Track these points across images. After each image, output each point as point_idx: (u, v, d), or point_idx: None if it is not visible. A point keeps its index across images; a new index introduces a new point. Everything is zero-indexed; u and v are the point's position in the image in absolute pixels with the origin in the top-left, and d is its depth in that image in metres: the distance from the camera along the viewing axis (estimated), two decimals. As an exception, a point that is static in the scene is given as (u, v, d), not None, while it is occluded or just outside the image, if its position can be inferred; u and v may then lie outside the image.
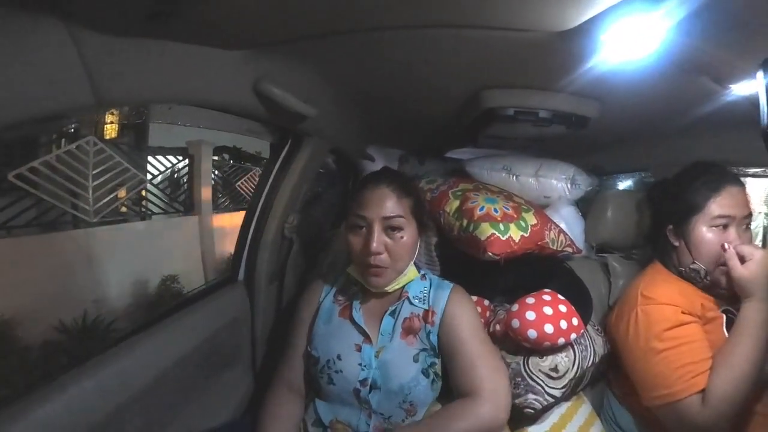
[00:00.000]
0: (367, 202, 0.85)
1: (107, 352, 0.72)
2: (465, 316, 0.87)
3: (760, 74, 0.40)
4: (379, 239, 0.83)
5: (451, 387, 0.85)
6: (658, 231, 1.03)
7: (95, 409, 0.65)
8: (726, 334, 0.88)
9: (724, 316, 0.90)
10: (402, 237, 0.85)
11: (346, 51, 0.75)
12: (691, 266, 0.94)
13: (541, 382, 0.86)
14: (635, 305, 0.93)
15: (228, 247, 5.63)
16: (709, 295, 0.95)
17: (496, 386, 0.80)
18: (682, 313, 0.88)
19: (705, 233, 0.92)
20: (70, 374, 0.65)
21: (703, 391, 0.81)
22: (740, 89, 0.72)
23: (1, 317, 3.35)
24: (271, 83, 0.76)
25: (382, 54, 0.76)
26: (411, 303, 0.90)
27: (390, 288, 0.88)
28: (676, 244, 0.98)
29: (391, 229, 0.85)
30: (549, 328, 0.84)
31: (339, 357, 0.85)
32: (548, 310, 0.86)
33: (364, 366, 0.84)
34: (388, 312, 0.89)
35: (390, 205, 0.85)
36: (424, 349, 0.86)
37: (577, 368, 0.89)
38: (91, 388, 0.65)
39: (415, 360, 0.84)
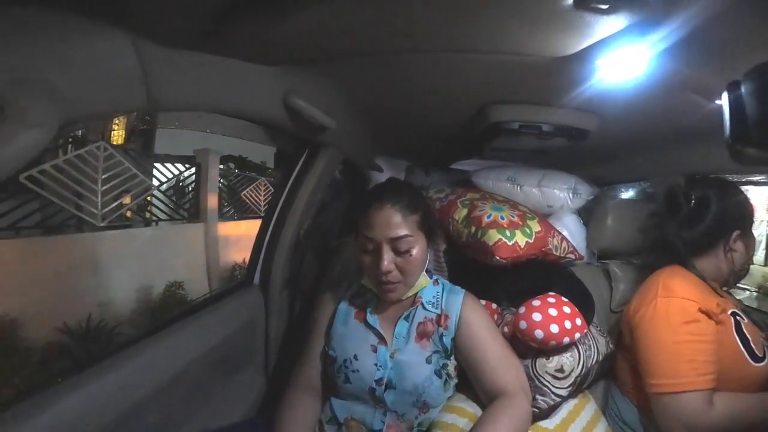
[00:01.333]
0: (373, 223, 0.85)
1: (127, 349, 0.75)
2: (482, 322, 0.90)
3: (725, 95, 0.46)
4: (388, 258, 0.83)
5: (476, 388, 0.87)
6: (709, 239, 1.04)
7: (115, 404, 0.68)
8: (736, 336, 0.92)
9: (733, 319, 0.95)
10: (411, 255, 0.85)
11: (368, 69, 0.81)
12: (747, 264, 1.04)
13: (548, 383, 0.89)
14: (656, 296, 0.96)
15: (232, 255, 5.65)
16: (722, 295, 1.01)
17: (524, 382, 0.87)
18: (700, 310, 0.91)
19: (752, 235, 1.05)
20: (91, 370, 0.69)
21: (709, 391, 0.85)
22: (729, 102, 0.78)
23: (7, 317, 3.38)
24: (298, 96, 0.82)
25: (400, 73, 0.82)
26: (425, 308, 0.92)
27: (403, 297, 0.91)
28: (737, 249, 1.02)
29: (399, 248, 0.84)
30: (554, 328, 0.87)
31: (356, 357, 0.88)
32: (553, 312, 0.89)
33: (380, 366, 0.86)
34: (403, 317, 0.91)
35: (396, 224, 0.84)
36: (436, 351, 0.88)
37: (582, 366, 0.92)
38: (111, 383, 0.68)
39: (428, 361, 0.87)
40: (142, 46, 0.53)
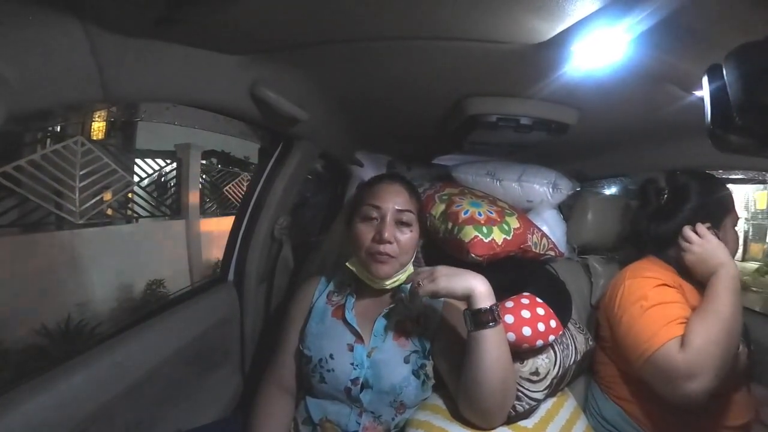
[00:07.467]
0: (383, 194, 0.90)
1: (98, 347, 0.73)
2: (462, 324, 0.87)
3: (705, 79, 0.44)
4: (390, 229, 0.87)
5: (453, 390, 0.84)
6: (673, 230, 1.04)
7: (85, 403, 0.66)
8: None
9: None
10: (411, 231, 0.90)
11: (338, 59, 0.79)
12: None
13: (522, 388, 0.86)
14: (624, 280, 0.99)
15: (215, 252, 5.58)
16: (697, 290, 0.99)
17: None
18: (665, 285, 0.94)
19: (732, 231, 1.04)
20: (60, 368, 0.66)
21: (680, 337, 0.84)
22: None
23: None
24: (266, 87, 0.79)
25: (372, 62, 0.80)
26: (405, 306, 0.91)
27: (389, 283, 0.90)
28: None
29: (401, 223, 0.89)
30: (527, 331, 0.85)
31: (331, 356, 0.86)
32: (526, 314, 0.87)
33: (356, 365, 0.85)
34: (382, 314, 0.90)
35: (403, 199, 0.90)
36: (415, 351, 0.87)
37: (559, 367, 0.91)
38: (81, 382, 0.66)
39: (406, 361, 0.85)
40: (95, 34, 0.50)
